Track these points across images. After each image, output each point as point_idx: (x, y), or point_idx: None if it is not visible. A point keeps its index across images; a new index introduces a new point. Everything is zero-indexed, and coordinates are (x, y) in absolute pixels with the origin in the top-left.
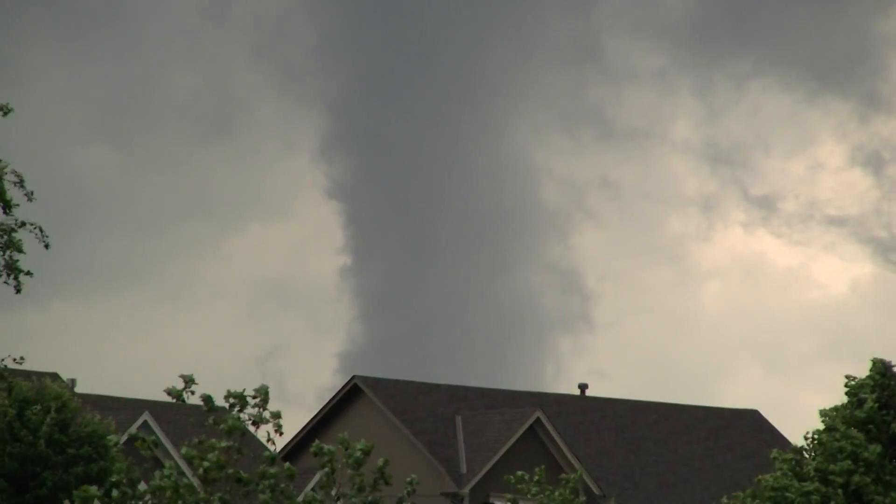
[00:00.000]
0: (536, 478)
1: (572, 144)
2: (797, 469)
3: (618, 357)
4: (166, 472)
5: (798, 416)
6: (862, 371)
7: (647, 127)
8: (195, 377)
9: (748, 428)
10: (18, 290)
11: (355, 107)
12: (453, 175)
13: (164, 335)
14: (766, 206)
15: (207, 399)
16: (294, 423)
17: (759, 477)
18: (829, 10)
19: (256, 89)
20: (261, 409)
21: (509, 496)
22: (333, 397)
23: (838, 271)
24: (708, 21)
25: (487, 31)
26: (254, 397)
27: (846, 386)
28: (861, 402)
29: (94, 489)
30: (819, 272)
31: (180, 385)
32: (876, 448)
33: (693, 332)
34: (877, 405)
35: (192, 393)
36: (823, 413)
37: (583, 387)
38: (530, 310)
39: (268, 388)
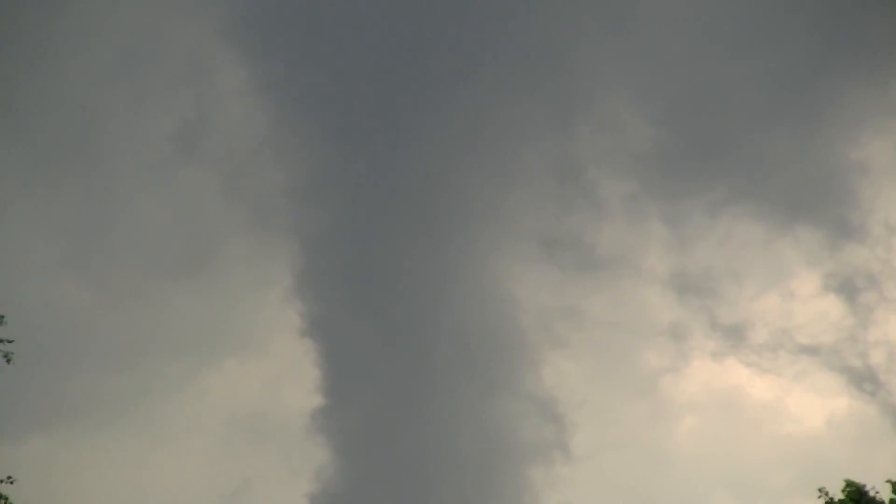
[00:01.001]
0: None
1: (549, 274)
2: None
3: (591, 489)
4: None
5: None
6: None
7: (621, 256)
8: None
9: None
10: None
11: (329, 243)
12: (429, 310)
13: (139, 469)
14: (738, 336)
15: None
16: None
17: None
18: (800, 139)
19: (229, 224)
20: None
21: None
22: None
23: (814, 404)
24: (680, 150)
25: (466, 163)
26: None
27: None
28: None
29: None
30: (794, 405)
31: None
32: None
33: (667, 465)
34: None
35: None
36: None
37: None
38: (506, 442)
39: None
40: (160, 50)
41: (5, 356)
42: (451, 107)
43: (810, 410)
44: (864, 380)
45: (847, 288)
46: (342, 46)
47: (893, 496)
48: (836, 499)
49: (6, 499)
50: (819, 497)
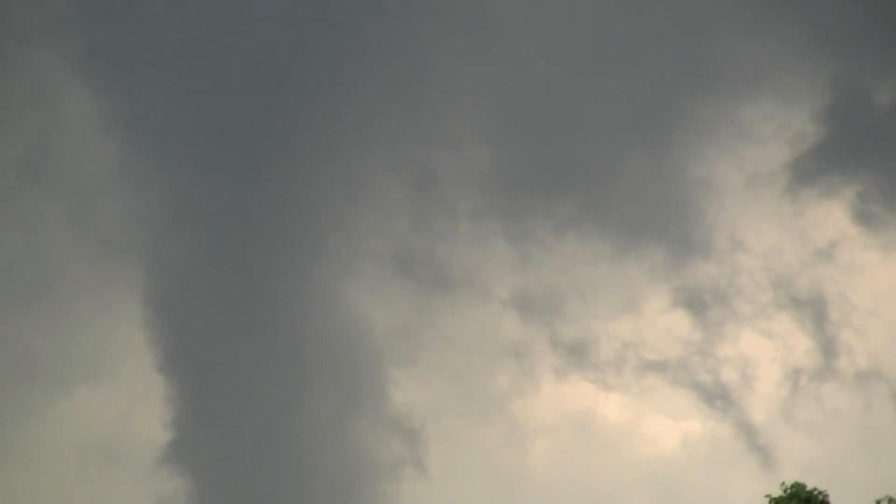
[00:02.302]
0: None
1: (402, 291)
2: None
3: None
4: None
5: None
6: None
7: (468, 275)
8: None
9: None
10: None
11: (182, 271)
12: (291, 332)
13: None
14: (582, 353)
15: None
16: None
17: None
18: (648, 158)
19: (75, 252)
20: None
21: None
22: None
23: (667, 425)
24: (528, 167)
25: (323, 181)
26: None
27: None
28: None
29: None
30: (648, 427)
31: None
32: None
33: (521, 489)
34: None
35: None
36: None
37: None
38: (364, 460)
39: None
40: (3, 73)
41: None
42: (305, 123)
43: (664, 431)
44: (715, 397)
45: (695, 304)
46: (189, 74)
47: None
48: None
49: None
50: None
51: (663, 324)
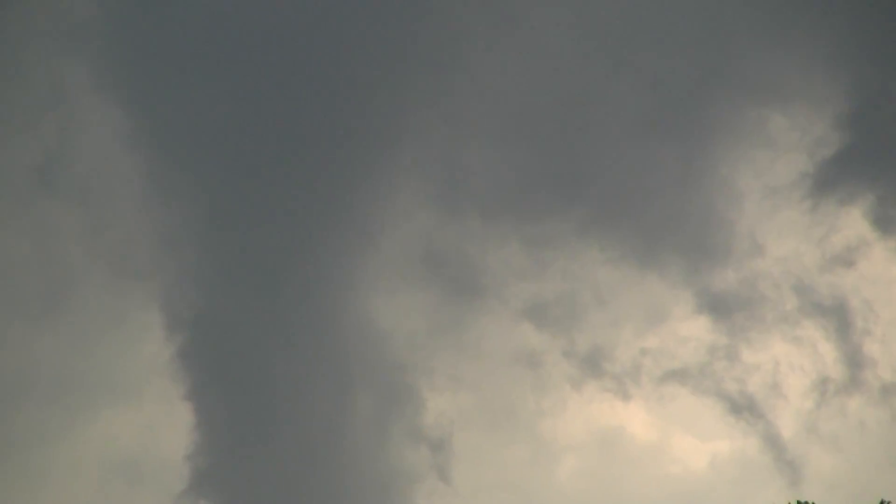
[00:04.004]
0: None
1: (426, 298)
2: None
3: None
4: None
5: None
6: None
7: (484, 281)
8: None
9: None
10: None
11: (197, 287)
12: (309, 347)
13: None
14: (606, 363)
15: None
16: None
17: None
18: (665, 162)
19: (90, 266)
20: None
21: None
22: None
23: (696, 441)
24: (535, 177)
25: (355, 183)
26: None
27: None
28: None
29: None
30: (677, 444)
31: None
32: None
33: None
34: None
35: None
36: None
37: None
38: (394, 479)
39: None
40: (25, 78)
41: None
42: (328, 133)
43: (692, 450)
44: (742, 408)
45: (719, 309)
46: (211, 86)
47: None
48: None
49: None
50: None
51: (686, 331)
